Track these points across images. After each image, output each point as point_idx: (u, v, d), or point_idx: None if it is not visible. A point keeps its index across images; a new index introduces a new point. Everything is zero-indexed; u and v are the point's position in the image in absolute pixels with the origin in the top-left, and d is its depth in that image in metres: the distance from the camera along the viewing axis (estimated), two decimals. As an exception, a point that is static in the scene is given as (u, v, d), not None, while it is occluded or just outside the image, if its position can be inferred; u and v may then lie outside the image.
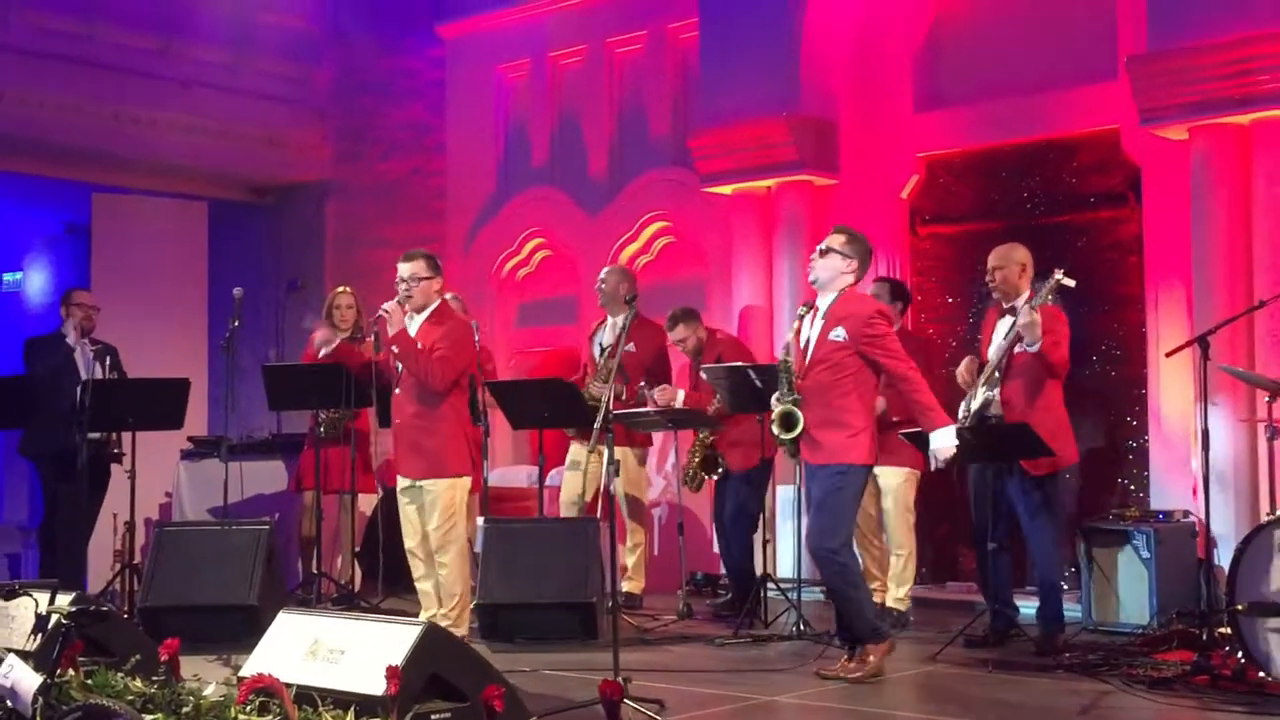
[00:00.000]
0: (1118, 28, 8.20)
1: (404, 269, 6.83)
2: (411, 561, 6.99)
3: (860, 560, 7.65)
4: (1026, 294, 6.63)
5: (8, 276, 14.18)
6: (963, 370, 6.78)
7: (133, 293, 10.49)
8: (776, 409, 6.13)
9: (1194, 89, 7.44)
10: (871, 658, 6.07)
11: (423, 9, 11.42)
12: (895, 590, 7.63)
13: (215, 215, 11.15)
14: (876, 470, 7.42)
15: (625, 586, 8.47)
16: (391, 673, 4.14)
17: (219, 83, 10.69)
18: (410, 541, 6.94)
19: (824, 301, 6.16)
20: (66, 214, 12.97)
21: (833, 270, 6.14)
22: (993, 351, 6.66)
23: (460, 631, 6.64)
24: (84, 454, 7.71)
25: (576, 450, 8.33)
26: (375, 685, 4.26)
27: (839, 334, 6.02)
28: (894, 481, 7.52)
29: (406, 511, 6.90)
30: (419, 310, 6.81)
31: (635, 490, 8.55)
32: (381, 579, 7.98)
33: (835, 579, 6.12)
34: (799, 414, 6.05)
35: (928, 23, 9.09)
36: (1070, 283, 6.45)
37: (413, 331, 6.75)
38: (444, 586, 6.82)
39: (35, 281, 13.85)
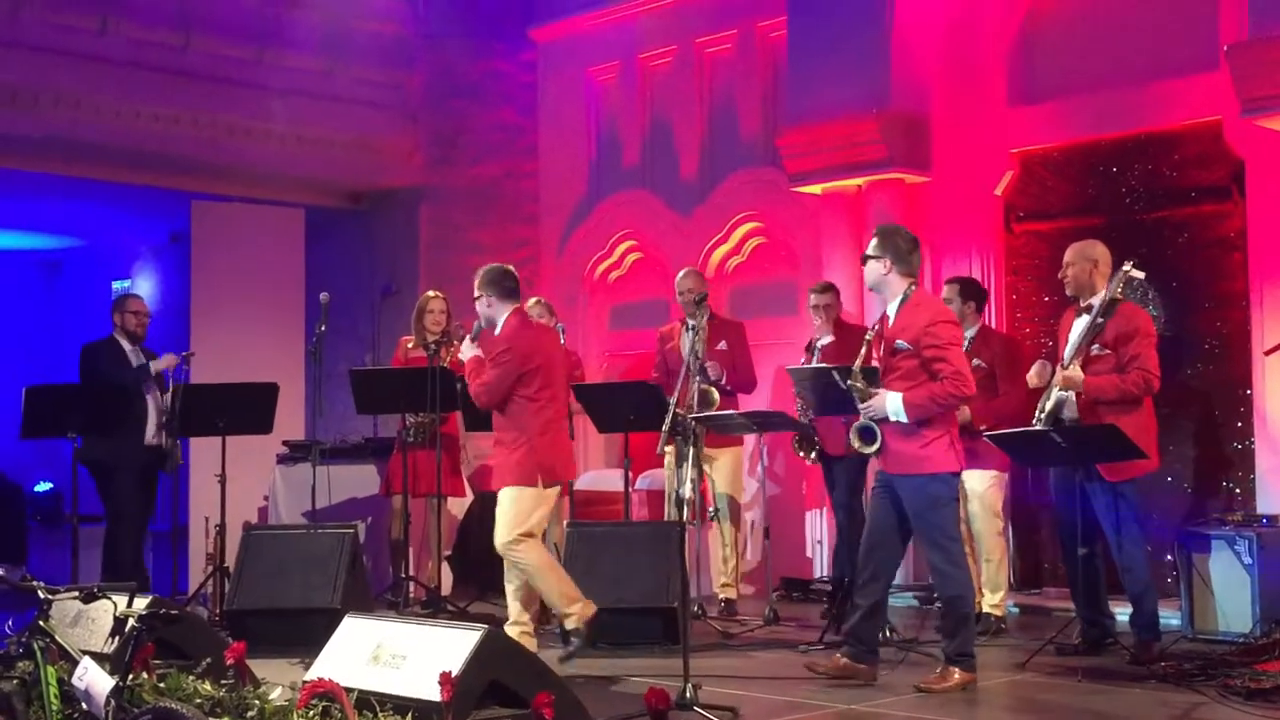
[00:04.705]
0: (1219, 16, 7.94)
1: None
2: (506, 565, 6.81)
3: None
4: (1104, 291, 6.41)
5: (116, 284, 14.51)
6: (1033, 375, 6.59)
7: (232, 299, 10.63)
8: (856, 423, 6.04)
9: (1298, 77, 7.16)
10: (948, 680, 5.91)
11: (514, 12, 11.46)
12: (990, 596, 7.46)
13: (311, 221, 11.25)
14: (963, 474, 7.30)
15: (721, 593, 8.39)
16: (445, 679, 4.11)
17: (313, 90, 10.79)
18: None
19: (891, 309, 6.07)
20: (171, 223, 13.24)
21: (875, 275, 6.08)
22: (1067, 352, 6.46)
23: (577, 608, 6.53)
24: (175, 457, 7.82)
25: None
26: (433, 691, 4.23)
27: (902, 343, 5.95)
28: (979, 486, 7.35)
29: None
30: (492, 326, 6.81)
31: (735, 492, 8.45)
32: (473, 583, 7.99)
33: (951, 592, 6.00)
34: (876, 427, 5.95)
35: (1020, 15, 8.89)
36: (1139, 274, 6.24)
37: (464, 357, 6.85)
38: (534, 587, 6.66)
39: (142, 288, 14.15)
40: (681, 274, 8.59)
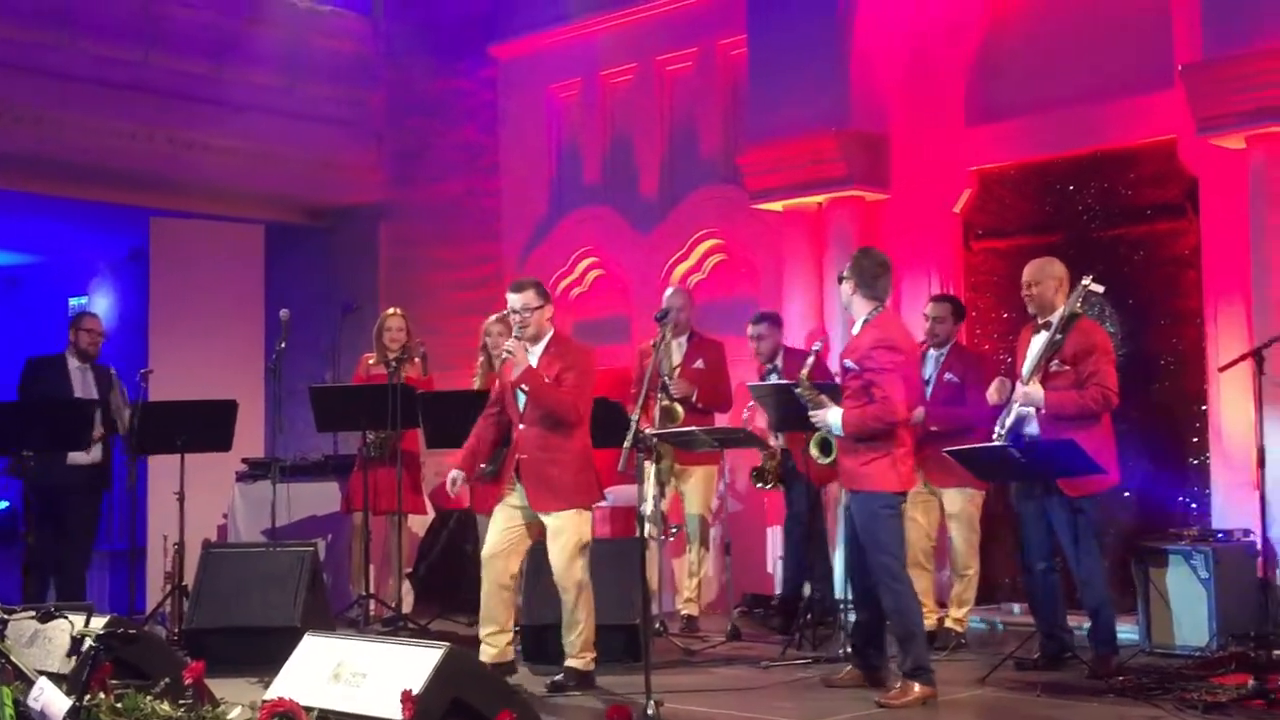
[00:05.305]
0: (1173, 36, 8.03)
1: (515, 300, 6.46)
2: (484, 571, 6.57)
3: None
4: (1062, 308, 6.48)
5: (74, 300, 14.40)
6: (993, 391, 6.64)
7: (191, 316, 10.60)
8: (814, 435, 6.15)
9: (1251, 96, 7.25)
10: (905, 694, 5.96)
11: (475, 30, 11.46)
12: (955, 611, 7.51)
13: (272, 238, 11.23)
14: (942, 491, 7.36)
15: (683, 609, 8.39)
16: (406, 697, 4.10)
17: (274, 106, 10.78)
18: (490, 551, 6.53)
19: (855, 329, 6.25)
20: (130, 239, 13.15)
21: (845, 296, 6.30)
22: (1026, 368, 6.51)
23: (588, 659, 6.43)
24: (131, 472, 7.77)
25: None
26: (394, 709, 4.22)
27: (849, 363, 6.13)
28: (959, 502, 7.40)
29: (503, 527, 6.49)
30: (534, 341, 6.48)
31: (706, 511, 8.46)
32: (434, 601, 7.95)
33: (892, 606, 6.09)
34: (833, 440, 6.14)
35: (979, 35, 8.97)
36: (1099, 288, 6.32)
37: (533, 364, 6.44)
38: (567, 611, 6.48)
39: (100, 305, 14.03)
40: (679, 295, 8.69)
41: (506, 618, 6.52)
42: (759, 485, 8.02)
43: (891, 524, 6.09)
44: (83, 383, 8.45)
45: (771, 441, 7.91)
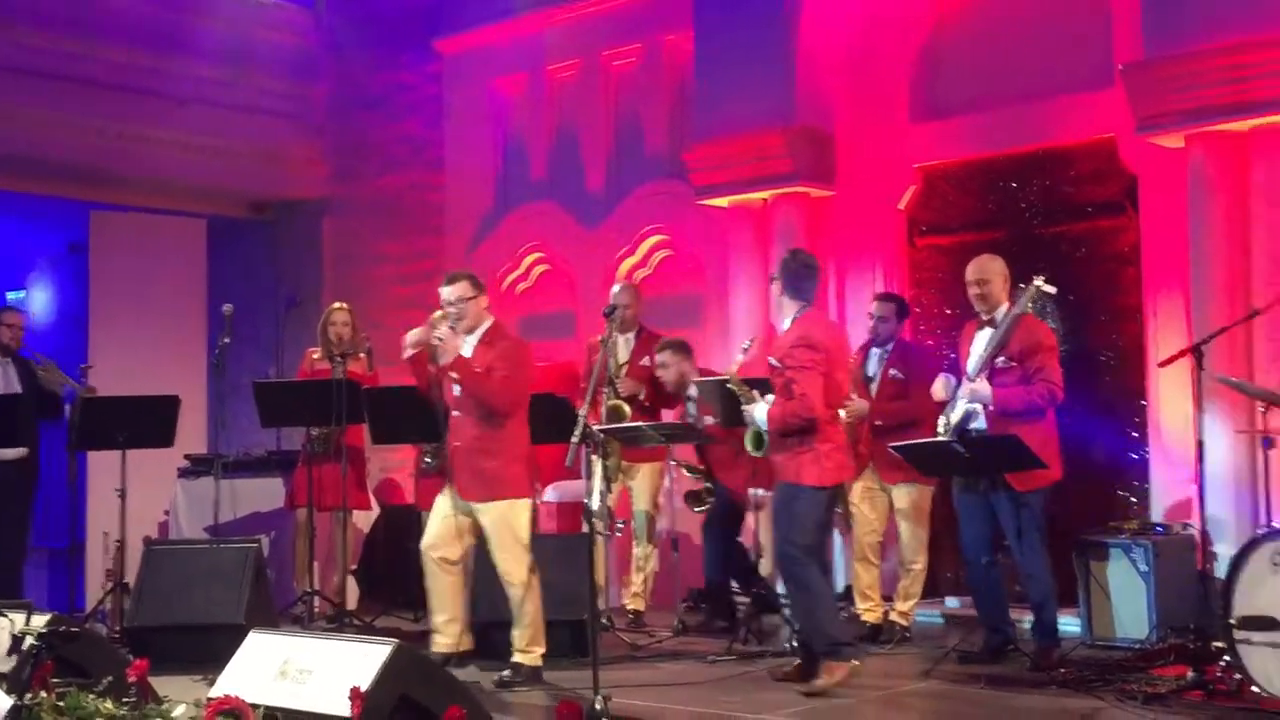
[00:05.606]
0: (1113, 36, 8.12)
1: (448, 292, 6.49)
2: (425, 564, 6.60)
3: (858, 577, 7.63)
4: (1006, 305, 6.56)
5: (10, 295, 14.20)
6: (938, 388, 6.71)
7: (131, 310, 10.49)
8: (749, 430, 6.38)
9: (1190, 96, 7.35)
10: (824, 676, 6.04)
11: (419, 23, 11.40)
12: (901, 604, 7.56)
13: (214, 232, 11.14)
14: (891, 486, 7.41)
15: (630, 604, 8.40)
16: (354, 694, 4.08)
17: (216, 99, 10.69)
18: (429, 541, 6.57)
19: (784, 327, 6.37)
20: (69, 233, 13.00)
21: (775, 297, 6.41)
22: (972, 365, 6.58)
23: (536, 654, 6.45)
24: (71, 469, 7.69)
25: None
26: (342, 706, 4.20)
27: (773, 360, 6.26)
28: (908, 497, 7.44)
29: (443, 516, 6.51)
30: (469, 332, 6.51)
31: (651, 506, 8.47)
32: (379, 597, 7.93)
33: (792, 586, 6.29)
34: (765, 434, 6.26)
35: (923, 34, 9.03)
36: (1051, 289, 6.39)
37: (466, 354, 6.46)
38: (514, 605, 6.49)
39: (39, 299, 13.86)
40: (627, 291, 8.68)
41: (456, 604, 6.53)
42: (695, 509, 8.08)
43: (804, 516, 6.17)
44: (3, 377, 8.35)
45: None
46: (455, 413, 6.55)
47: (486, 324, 6.57)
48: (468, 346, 6.47)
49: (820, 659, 6.10)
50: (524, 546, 6.45)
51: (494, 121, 11.20)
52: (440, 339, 6.42)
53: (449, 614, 6.46)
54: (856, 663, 6.12)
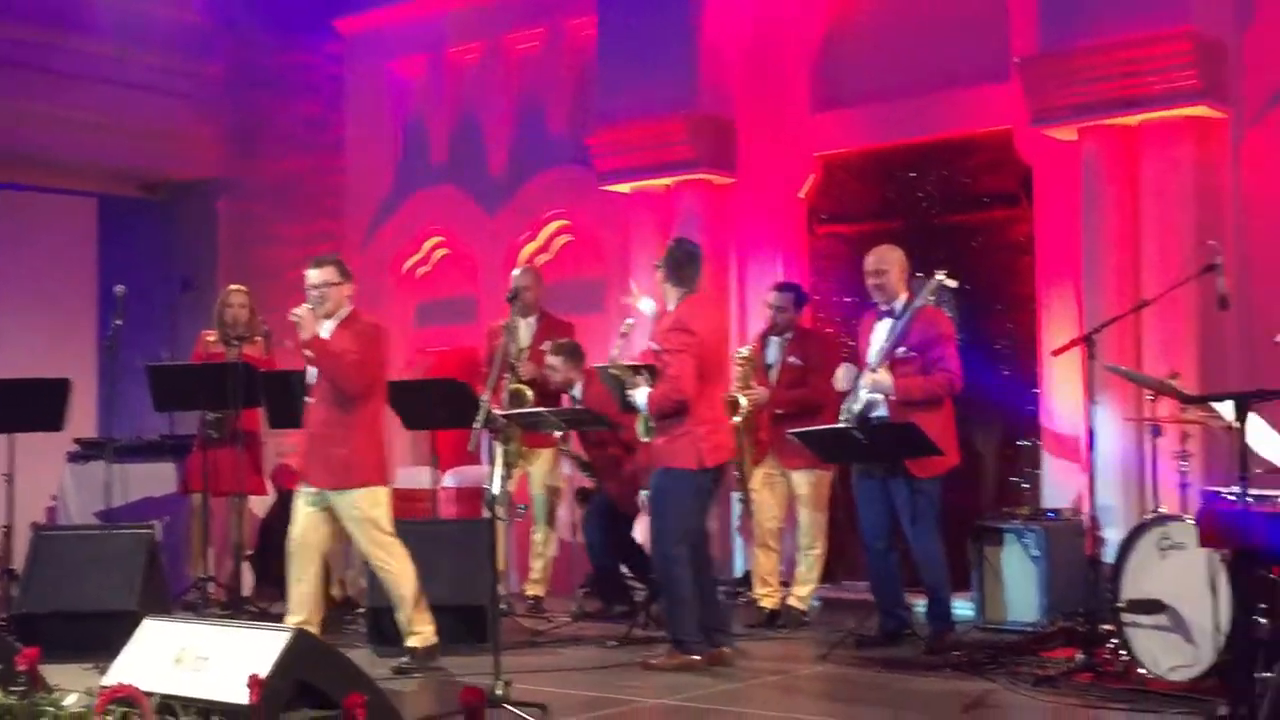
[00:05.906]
0: (1011, 29, 8.24)
1: (314, 275, 6.47)
2: (289, 561, 6.52)
3: (758, 563, 7.70)
4: (905, 295, 6.65)
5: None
6: (839, 378, 6.81)
7: (19, 291, 10.25)
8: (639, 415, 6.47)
9: (1083, 90, 7.48)
10: (664, 658, 6.31)
11: (318, 2, 11.23)
12: (799, 589, 7.63)
13: (105, 212, 10.92)
14: (791, 472, 7.48)
15: (529, 589, 8.38)
16: (253, 681, 4.03)
17: (108, 76, 10.45)
18: (295, 541, 6.49)
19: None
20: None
21: (660, 284, 6.56)
22: (873, 355, 6.66)
23: (427, 632, 6.44)
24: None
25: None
26: (240, 694, 4.14)
27: (652, 343, 6.43)
28: (807, 483, 7.51)
29: (306, 512, 6.43)
30: (329, 316, 6.43)
31: (551, 491, 8.45)
32: (275, 583, 7.80)
33: (661, 576, 6.43)
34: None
35: (824, 23, 9.10)
36: (952, 283, 6.49)
37: (324, 336, 6.40)
38: (391, 591, 6.46)
39: (-79, 280, 13.49)
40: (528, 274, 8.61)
41: (315, 609, 6.41)
42: (582, 507, 8.15)
43: (680, 500, 6.29)
44: None
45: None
46: (309, 400, 6.52)
47: (345, 311, 6.51)
48: (325, 330, 6.42)
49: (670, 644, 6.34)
50: (385, 532, 6.40)
51: (395, 103, 11.10)
52: (298, 316, 6.39)
53: (304, 615, 6.32)
54: (694, 660, 6.27)
